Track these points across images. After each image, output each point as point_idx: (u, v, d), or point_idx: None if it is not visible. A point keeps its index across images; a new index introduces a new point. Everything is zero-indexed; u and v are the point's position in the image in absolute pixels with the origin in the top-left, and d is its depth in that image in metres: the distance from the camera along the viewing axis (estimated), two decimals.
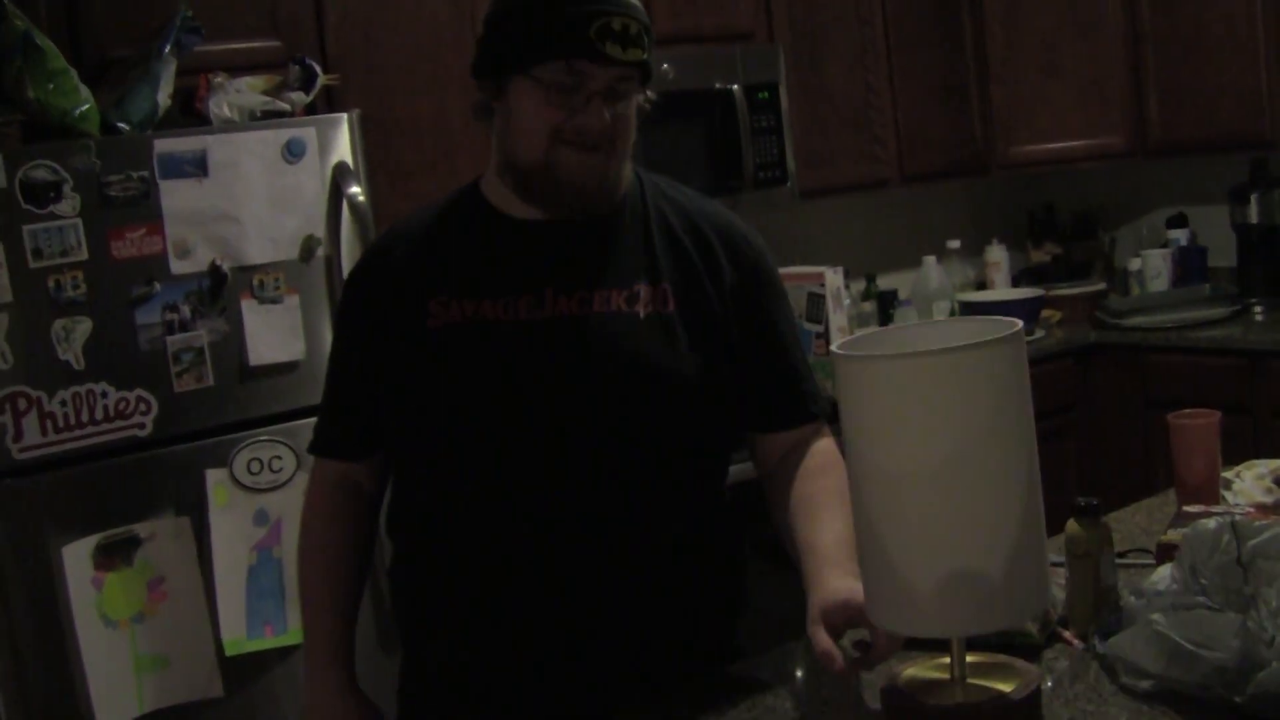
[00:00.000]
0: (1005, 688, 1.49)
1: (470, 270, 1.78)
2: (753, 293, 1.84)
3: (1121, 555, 2.02)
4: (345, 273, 2.94)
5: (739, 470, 1.94)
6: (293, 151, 2.91)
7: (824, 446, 1.89)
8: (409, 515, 1.86)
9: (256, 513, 2.85)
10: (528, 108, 1.72)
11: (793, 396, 1.88)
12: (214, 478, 2.81)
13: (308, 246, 2.93)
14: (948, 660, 1.52)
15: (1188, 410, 2.30)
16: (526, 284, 1.76)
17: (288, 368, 2.91)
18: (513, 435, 1.73)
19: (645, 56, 1.73)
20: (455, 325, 1.75)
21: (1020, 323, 1.46)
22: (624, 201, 1.82)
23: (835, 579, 1.63)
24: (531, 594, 1.74)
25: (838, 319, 3.80)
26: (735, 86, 3.92)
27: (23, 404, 2.60)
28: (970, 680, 1.51)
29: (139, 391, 2.72)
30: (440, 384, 1.75)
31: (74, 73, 2.75)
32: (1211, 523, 1.67)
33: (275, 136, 2.89)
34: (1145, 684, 1.59)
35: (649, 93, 1.79)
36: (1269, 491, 2.27)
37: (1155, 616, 1.61)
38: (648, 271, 1.79)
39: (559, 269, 1.77)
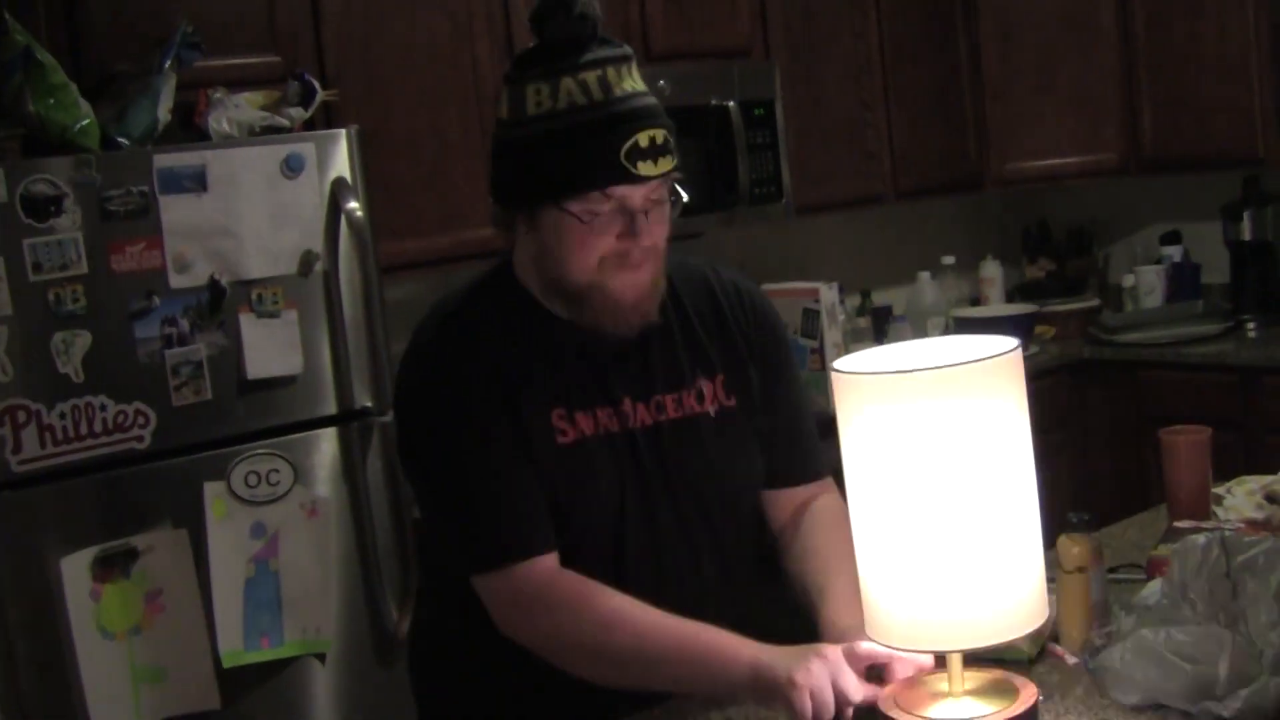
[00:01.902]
0: (1004, 704, 1.50)
1: (568, 381, 1.77)
2: (774, 362, 1.92)
3: (1113, 570, 2.03)
4: (343, 287, 2.96)
5: None
6: (291, 167, 2.92)
7: (832, 503, 1.94)
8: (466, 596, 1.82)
9: (254, 525, 2.85)
10: (567, 239, 1.70)
11: (802, 454, 1.95)
12: (212, 490, 2.81)
13: (306, 261, 2.94)
14: (945, 676, 1.54)
15: (1179, 426, 2.31)
16: (608, 394, 1.78)
17: (286, 381, 2.91)
18: (616, 536, 1.77)
19: (676, 160, 1.70)
20: (583, 440, 1.76)
21: (1018, 341, 1.48)
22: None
23: (848, 620, 1.66)
24: None
25: (832, 334, 3.82)
26: (731, 103, 3.94)
27: (22, 416, 2.61)
28: (969, 697, 1.52)
29: (137, 404, 2.73)
30: (563, 494, 1.75)
31: (74, 87, 2.76)
32: (1201, 538, 1.69)
33: (274, 152, 2.90)
34: (1134, 698, 1.61)
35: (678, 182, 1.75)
36: (1260, 507, 2.28)
37: (1145, 631, 1.62)
38: (701, 365, 1.85)
39: (626, 375, 1.80)
